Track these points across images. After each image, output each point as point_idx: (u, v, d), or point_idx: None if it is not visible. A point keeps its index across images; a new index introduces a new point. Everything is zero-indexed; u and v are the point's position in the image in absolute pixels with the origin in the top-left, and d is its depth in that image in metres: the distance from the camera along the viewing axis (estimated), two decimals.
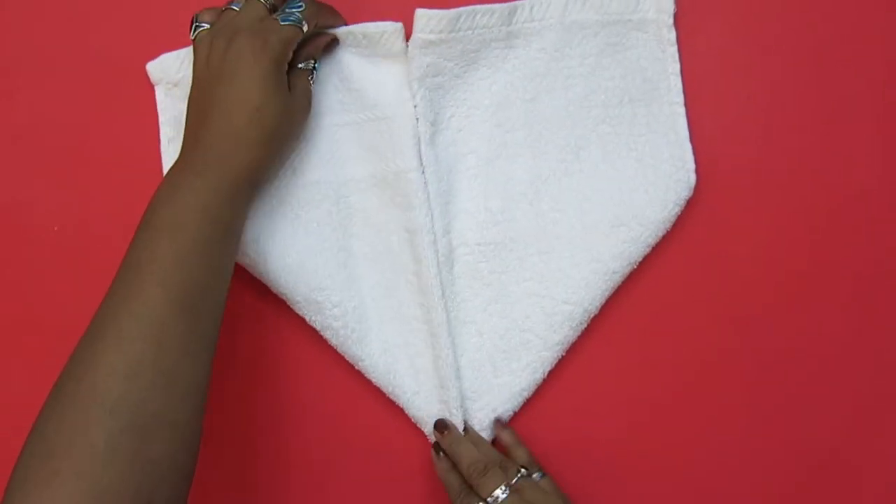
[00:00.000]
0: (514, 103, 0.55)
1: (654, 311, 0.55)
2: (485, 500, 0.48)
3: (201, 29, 0.49)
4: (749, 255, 0.56)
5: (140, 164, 0.55)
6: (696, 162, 0.54)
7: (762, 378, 0.55)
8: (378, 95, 0.54)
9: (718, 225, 0.56)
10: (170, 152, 0.54)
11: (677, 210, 0.54)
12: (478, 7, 0.53)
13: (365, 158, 0.54)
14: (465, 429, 0.53)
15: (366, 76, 0.54)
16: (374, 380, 0.54)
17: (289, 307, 0.54)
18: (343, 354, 0.54)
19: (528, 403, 0.55)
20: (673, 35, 0.55)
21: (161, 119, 0.55)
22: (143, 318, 0.42)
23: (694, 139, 0.55)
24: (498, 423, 0.54)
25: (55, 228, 0.56)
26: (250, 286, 0.55)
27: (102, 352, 0.41)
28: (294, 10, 0.49)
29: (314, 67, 0.52)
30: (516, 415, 0.55)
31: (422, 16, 0.52)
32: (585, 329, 0.54)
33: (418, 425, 0.54)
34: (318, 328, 0.53)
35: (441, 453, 0.52)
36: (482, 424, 0.54)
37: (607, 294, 0.54)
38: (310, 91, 0.51)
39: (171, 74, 0.54)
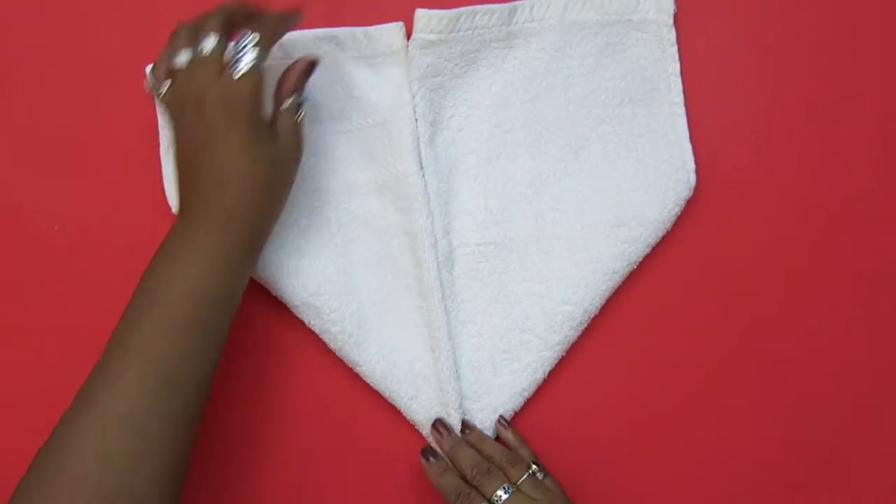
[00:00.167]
0: (514, 103, 0.55)
1: (654, 311, 0.55)
2: (489, 501, 0.47)
3: (165, 90, 0.47)
4: (749, 254, 0.56)
5: (140, 165, 0.55)
6: (696, 162, 0.54)
7: (762, 378, 0.55)
8: (379, 101, 0.54)
9: (718, 225, 0.56)
10: (169, 155, 0.54)
11: (677, 210, 0.54)
12: (478, 7, 0.53)
13: (365, 164, 0.55)
14: (469, 427, 0.53)
15: (367, 82, 0.54)
16: (372, 384, 0.54)
17: (288, 310, 0.54)
18: (342, 359, 0.54)
19: (528, 403, 0.55)
20: (673, 35, 0.55)
21: (160, 122, 0.55)
22: (122, 397, 0.41)
23: (694, 139, 0.55)
24: (500, 421, 0.54)
25: (55, 228, 0.56)
26: (250, 289, 0.54)
27: (77, 429, 0.41)
28: (246, 46, 0.45)
29: (300, 101, 0.48)
30: (517, 415, 0.55)
31: (422, 16, 0.52)
32: (585, 329, 0.55)
33: (417, 429, 0.54)
34: (316, 332, 0.53)
35: (431, 458, 0.52)
36: (483, 425, 0.54)
37: (607, 294, 0.54)
38: (298, 131, 0.48)
39: None
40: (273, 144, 0.46)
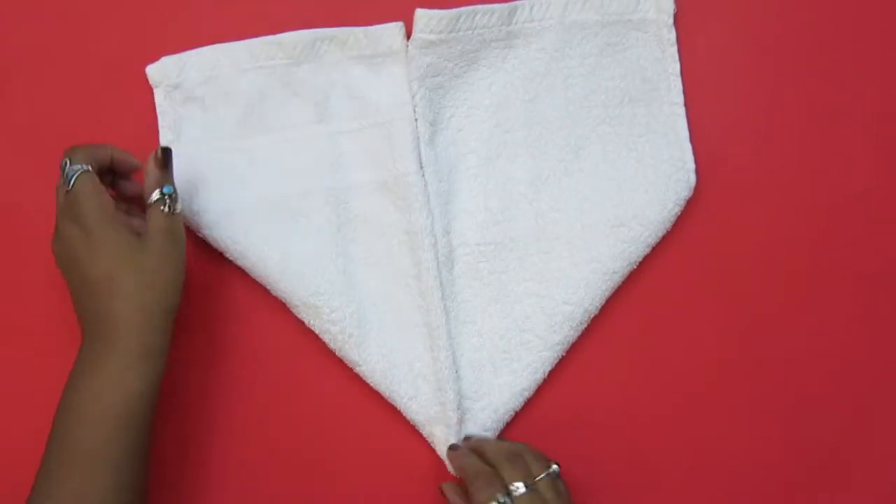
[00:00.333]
0: (514, 103, 0.55)
1: (654, 311, 0.55)
2: (506, 487, 0.46)
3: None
4: (749, 254, 0.56)
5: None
6: (696, 162, 0.54)
7: (762, 378, 0.55)
8: (379, 101, 0.54)
9: (718, 225, 0.56)
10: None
11: (677, 210, 0.54)
12: (478, 7, 0.53)
13: (365, 164, 0.55)
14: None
15: (367, 82, 0.54)
16: (372, 384, 0.54)
17: (288, 310, 0.54)
18: (342, 358, 0.54)
19: (528, 403, 0.55)
20: (673, 35, 0.55)
21: (160, 122, 0.55)
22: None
23: (694, 139, 0.55)
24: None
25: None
26: (250, 289, 0.55)
27: None
28: (67, 167, 0.47)
29: (164, 194, 0.48)
30: (517, 415, 0.55)
31: (422, 16, 0.52)
32: (586, 329, 0.55)
33: (416, 429, 0.54)
34: (316, 332, 0.53)
35: (453, 448, 0.52)
36: (484, 425, 0.54)
37: (607, 294, 0.54)
38: (168, 221, 0.47)
39: (171, 77, 0.54)
40: (131, 239, 0.46)
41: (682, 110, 0.55)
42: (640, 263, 0.54)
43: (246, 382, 0.55)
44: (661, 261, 0.55)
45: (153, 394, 0.46)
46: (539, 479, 0.47)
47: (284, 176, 0.54)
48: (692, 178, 0.54)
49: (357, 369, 0.54)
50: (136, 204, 0.52)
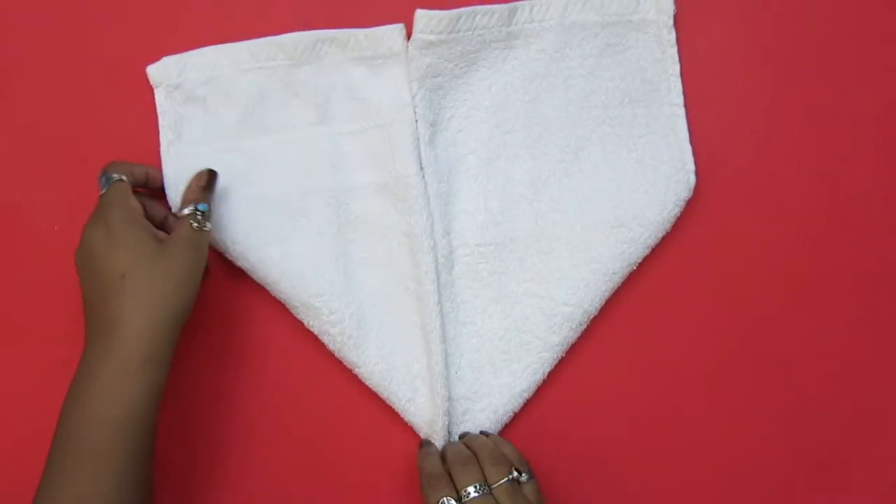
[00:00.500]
0: (514, 104, 0.55)
1: (654, 312, 0.55)
2: (457, 492, 0.47)
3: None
4: (749, 255, 0.56)
5: None
6: (696, 163, 0.54)
7: (762, 378, 0.55)
8: (379, 102, 0.54)
9: (718, 225, 0.56)
10: (170, 155, 0.54)
11: (677, 211, 0.54)
12: (478, 8, 0.53)
13: (366, 166, 0.55)
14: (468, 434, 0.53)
15: (368, 84, 0.54)
16: (370, 385, 0.54)
17: (288, 311, 0.54)
18: (341, 360, 0.54)
19: (527, 404, 0.55)
20: (673, 36, 0.55)
21: (161, 122, 0.55)
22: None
23: (694, 140, 0.55)
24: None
25: (55, 228, 0.56)
26: (250, 289, 0.55)
27: None
28: (103, 177, 0.50)
29: (198, 210, 0.49)
30: (516, 416, 0.55)
31: (422, 16, 0.52)
32: (585, 330, 0.55)
33: (414, 430, 0.54)
34: (316, 333, 0.53)
35: (424, 446, 0.52)
36: (483, 426, 0.54)
37: (607, 295, 0.54)
38: (193, 235, 0.48)
39: (172, 77, 0.54)
40: (152, 241, 0.47)
41: (681, 111, 0.55)
42: (640, 264, 0.54)
43: (245, 383, 0.55)
44: (661, 262, 0.55)
45: (156, 397, 0.46)
46: (497, 485, 0.47)
47: (285, 177, 0.54)
48: (692, 178, 0.54)
49: (356, 371, 0.54)
50: (164, 229, 0.52)
